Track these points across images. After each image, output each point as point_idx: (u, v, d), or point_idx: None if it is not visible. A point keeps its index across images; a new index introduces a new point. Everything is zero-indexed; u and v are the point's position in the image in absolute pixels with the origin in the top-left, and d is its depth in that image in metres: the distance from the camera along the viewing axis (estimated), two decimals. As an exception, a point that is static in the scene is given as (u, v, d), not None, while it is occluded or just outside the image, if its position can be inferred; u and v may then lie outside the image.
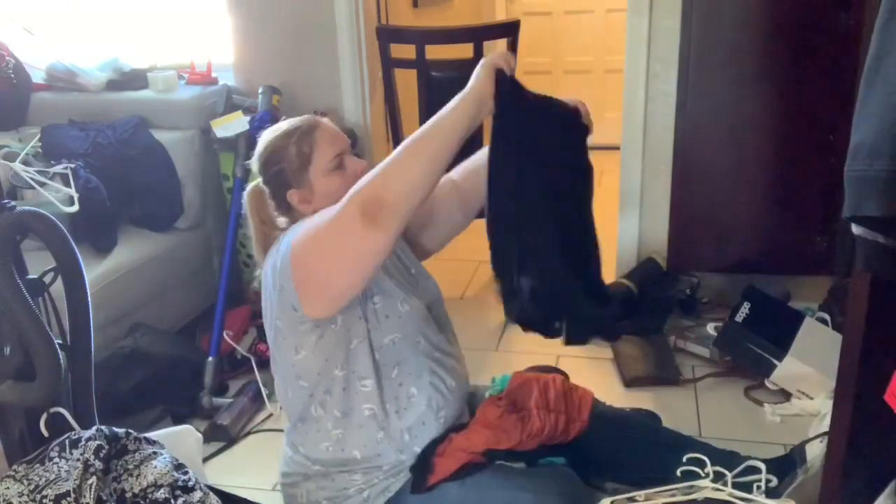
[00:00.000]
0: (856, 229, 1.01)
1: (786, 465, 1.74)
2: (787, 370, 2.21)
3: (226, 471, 2.05)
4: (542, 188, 1.41)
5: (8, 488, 1.32)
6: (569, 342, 1.45)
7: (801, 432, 1.94)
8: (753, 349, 2.26)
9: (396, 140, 2.73)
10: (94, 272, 2.23)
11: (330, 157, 1.50)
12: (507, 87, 1.35)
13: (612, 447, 1.74)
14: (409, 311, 1.52)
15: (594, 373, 2.48)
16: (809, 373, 2.19)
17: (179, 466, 1.44)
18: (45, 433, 1.44)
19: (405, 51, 2.62)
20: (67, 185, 2.26)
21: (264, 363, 2.49)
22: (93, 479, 1.32)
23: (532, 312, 1.40)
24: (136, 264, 2.43)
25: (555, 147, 1.45)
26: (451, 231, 1.74)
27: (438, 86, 2.64)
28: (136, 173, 2.58)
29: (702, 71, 2.51)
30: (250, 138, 2.56)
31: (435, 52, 2.63)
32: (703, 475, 1.67)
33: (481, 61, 1.37)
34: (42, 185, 2.18)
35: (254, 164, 1.57)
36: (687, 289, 2.71)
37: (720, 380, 2.39)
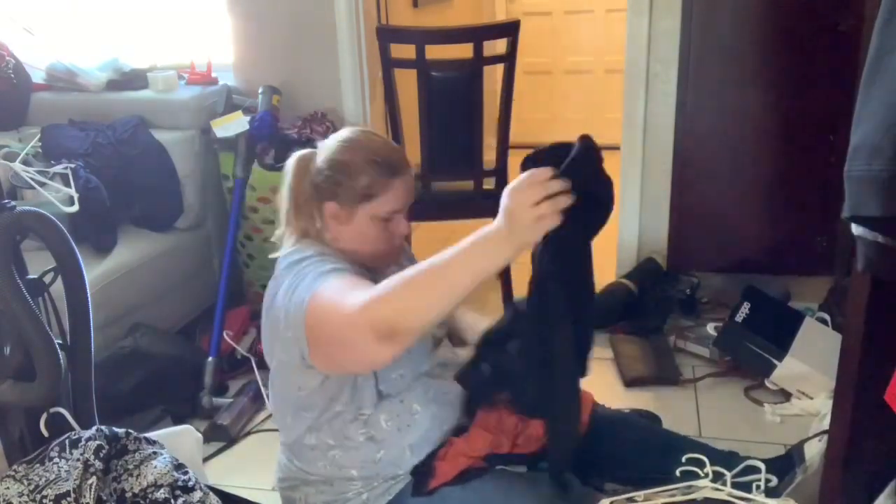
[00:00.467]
0: (856, 229, 1.01)
1: (785, 465, 1.74)
2: (787, 370, 2.21)
3: (226, 471, 2.05)
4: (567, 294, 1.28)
5: (8, 488, 1.32)
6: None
7: (801, 432, 1.94)
8: (753, 349, 2.26)
9: (396, 140, 2.72)
10: (94, 272, 2.23)
11: (389, 210, 1.44)
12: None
13: (611, 448, 1.74)
14: (419, 344, 1.47)
15: (594, 373, 2.45)
16: (809, 373, 2.19)
17: (179, 466, 1.44)
18: (45, 433, 1.44)
19: (405, 51, 2.61)
20: (67, 185, 2.26)
21: (264, 363, 2.48)
22: (93, 479, 1.32)
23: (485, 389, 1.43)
24: (136, 264, 2.43)
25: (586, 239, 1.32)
26: None
27: (438, 86, 2.64)
28: (136, 173, 2.58)
29: (702, 71, 2.51)
30: (250, 138, 2.56)
31: (435, 52, 2.62)
32: (702, 475, 1.67)
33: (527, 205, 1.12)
34: (42, 185, 2.18)
35: (324, 150, 1.47)
36: (687, 289, 2.71)
37: (720, 380, 2.39)
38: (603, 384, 2.39)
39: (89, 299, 1.51)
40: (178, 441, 1.61)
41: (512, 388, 1.44)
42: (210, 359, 2.38)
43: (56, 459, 1.35)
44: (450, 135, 2.70)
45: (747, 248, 2.65)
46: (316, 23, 2.83)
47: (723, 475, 1.67)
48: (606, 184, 1.26)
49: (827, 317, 2.45)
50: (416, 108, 2.66)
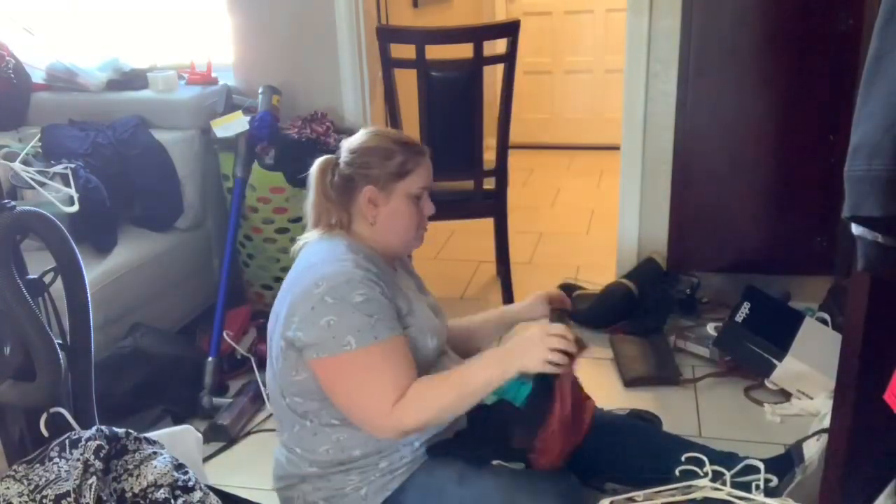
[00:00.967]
0: (856, 229, 1.01)
1: (784, 464, 1.74)
2: (787, 370, 2.21)
3: (226, 471, 2.05)
4: None
5: (8, 488, 1.32)
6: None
7: (801, 432, 1.94)
8: (753, 349, 2.26)
9: (396, 140, 2.73)
10: (94, 272, 2.23)
11: (421, 185, 1.54)
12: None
13: (611, 450, 1.74)
14: (423, 357, 1.53)
15: (594, 373, 2.48)
16: (809, 373, 2.19)
17: (179, 466, 1.44)
18: (45, 433, 1.44)
19: (405, 51, 2.62)
20: (67, 185, 2.26)
21: (264, 363, 2.48)
22: (93, 479, 1.32)
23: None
24: (136, 264, 2.43)
25: None
26: None
27: (438, 86, 2.64)
28: (136, 173, 2.58)
29: (702, 71, 2.51)
30: (250, 138, 2.56)
31: (435, 52, 2.63)
32: (701, 475, 1.67)
33: (538, 337, 1.40)
34: (42, 185, 2.18)
35: (349, 144, 1.57)
36: (687, 289, 2.71)
37: (720, 380, 2.39)
38: (603, 384, 2.39)
39: (89, 299, 1.51)
40: (178, 441, 1.61)
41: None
42: (210, 359, 2.38)
43: (56, 459, 1.35)
44: (450, 135, 2.70)
45: (747, 248, 2.65)
46: (316, 23, 2.83)
47: (722, 475, 1.67)
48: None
49: (827, 317, 2.45)
50: (416, 108, 2.66)
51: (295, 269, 1.53)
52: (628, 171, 2.81)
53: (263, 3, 2.85)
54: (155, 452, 1.43)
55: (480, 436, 1.53)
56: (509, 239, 2.89)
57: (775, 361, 2.22)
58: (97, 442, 1.37)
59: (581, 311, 2.77)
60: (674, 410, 2.20)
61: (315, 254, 1.50)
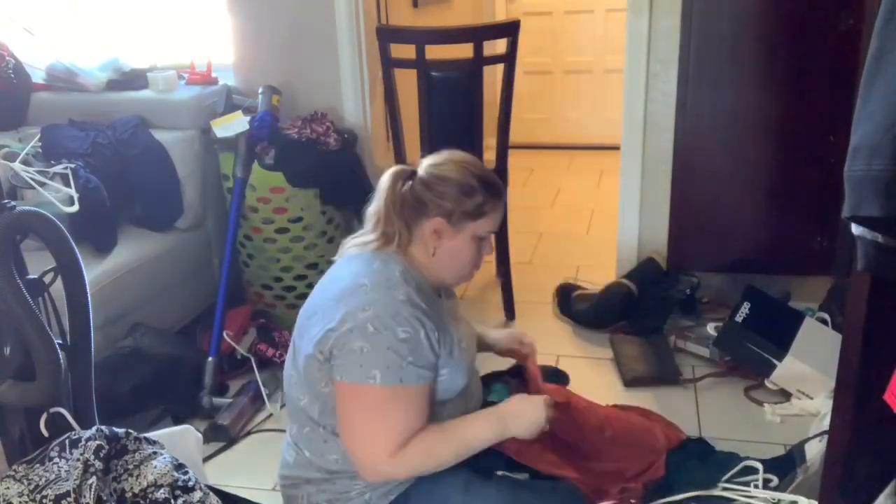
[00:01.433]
0: (856, 229, 1.01)
1: (785, 465, 1.74)
2: (787, 370, 2.21)
3: (226, 471, 2.05)
4: None
5: (8, 488, 1.32)
6: None
7: (801, 432, 1.94)
8: (753, 349, 2.26)
9: (396, 140, 2.72)
10: (94, 272, 2.23)
11: (490, 229, 1.52)
12: None
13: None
14: (467, 384, 1.54)
15: (594, 373, 2.48)
16: (809, 373, 2.19)
17: (179, 466, 1.44)
18: (45, 433, 1.44)
19: (405, 51, 2.61)
20: (67, 185, 2.26)
21: (264, 363, 2.49)
22: (93, 479, 1.32)
23: None
24: (136, 264, 2.43)
25: None
26: None
27: (438, 86, 2.64)
28: (136, 173, 2.58)
29: (702, 71, 2.51)
30: (250, 138, 2.56)
31: (435, 52, 2.62)
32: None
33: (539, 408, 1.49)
34: (42, 185, 2.18)
35: (431, 168, 1.50)
36: (687, 289, 2.71)
37: (720, 380, 2.39)
38: (603, 384, 2.39)
39: (89, 299, 1.51)
40: (178, 441, 1.61)
41: None
42: (210, 359, 2.38)
43: (56, 459, 1.35)
44: (450, 135, 2.69)
45: (747, 248, 2.65)
46: (316, 23, 2.83)
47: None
48: None
49: (827, 317, 2.45)
50: (416, 108, 2.66)
51: (340, 279, 1.48)
52: (628, 171, 2.81)
53: (263, 3, 2.85)
54: (155, 452, 1.43)
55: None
56: (509, 239, 2.89)
57: (775, 361, 2.22)
58: (97, 442, 1.37)
59: (581, 311, 2.78)
60: (674, 410, 2.20)
61: (366, 272, 1.44)
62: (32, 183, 2.14)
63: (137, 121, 2.68)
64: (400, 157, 2.75)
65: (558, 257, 3.46)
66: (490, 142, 2.80)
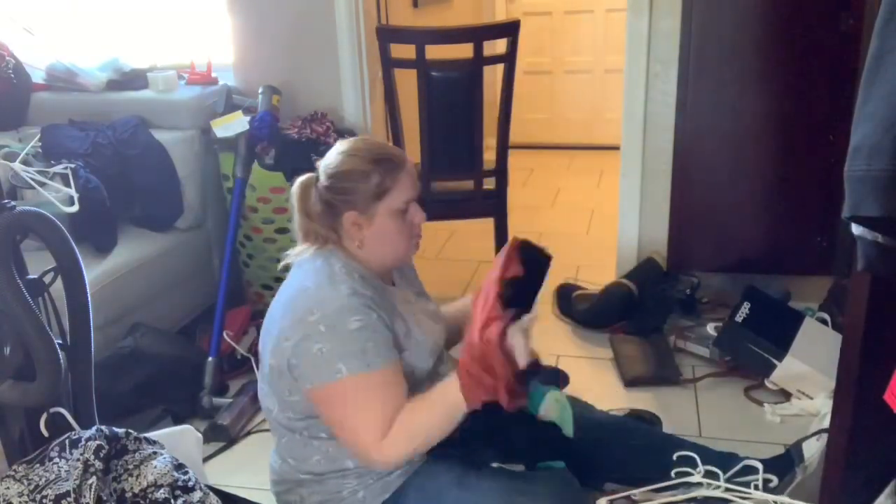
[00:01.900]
0: (856, 229, 1.01)
1: (783, 464, 1.74)
2: (787, 370, 2.21)
3: (226, 471, 2.05)
4: None
5: (8, 488, 1.32)
6: None
7: (801, 432, 1.94)
8: (753, 349, 2.26)
9: (396, 140, 2.72)
10: (94, 272, 2.23)
11: (404, 199, 1.49)
12: None
13: (610, 452, 1.74)
14: (433, 365, 1.53)
15: (594, 373, 2.48)
16: (809, 373, 2.19)
17: (179, 466, 1.44)
18: (45, 433, 1.44)
19: (405, 51, 2.61)
20: (67, 185, 2.25)
21: (264, 363, 2.49)
22: (93, 479, 1.32)
23: None
24: (136, 264, 2.43)
25: None
26: None
27: (438, 86, 2.64)
28: (136, 173, 2.58)
29: (702, 71, 2.51)
30: (250, 138, 2.56)
31: (435, 52, 2.62)
32: (694, 474, 1.68)
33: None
34: (42, 185, 2.18)
35: (325, 168, 1.50)
36: (687, 289, 2.71)
37: (720, 380, 2.39)
38: (603, 384, 2.39)
39: (89, 299, 1.51)
40: (178, 441, 1.61)
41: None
42: (210, 359, 2.38)
43: (56, 459, 1.35)
44: (450, 135, 2.70)
45: (747, 248, 2.65)
46: (316, 23, 2.83)
47: (716, 475, 1.68)
48: None
49: (827, 317, 2.45)
50: (416, 108, 2.66)
51: (288, 286, 1.49)
52: (628, 171, 2.81)
53: (263, 4, 2.85)
54: (155, 452, 1.43)
55: (480, 437, 1.53)
56: (509, 239, 2.89)
57: (775, 361, 2.22)
58: (97, 442, 1.37)
59: (581, 311, 2.78)
60: (674, 410, 2.20)
61: (309, 272, 1.46)
62: (32, 183, 2.13)
63: (137, 121, 2.68)
64: (400, 157, 2.75)
65: (558, 257, 3.43)
66: (490, 142, 2.80)
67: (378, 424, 1.36)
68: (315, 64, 2.87)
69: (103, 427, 1.43)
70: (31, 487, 1.32)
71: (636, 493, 1.74)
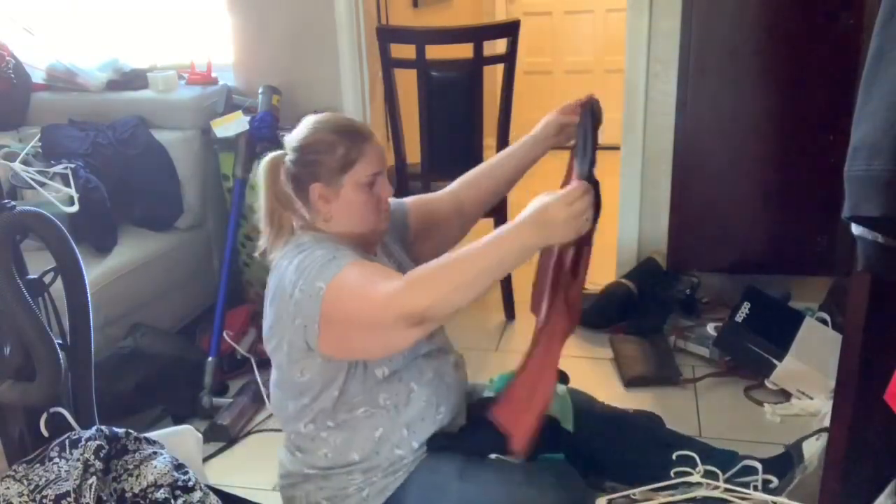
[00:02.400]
0: (856, 229, 1.01)
1: (783, 464, 1.74)
2: (787, 370, 2.21)
3: (226, 471, 2.05)
4: None
5: (8, 488, 1.32)
6: None
7: (801, 432, 1.93)
8: (753, 349, 2.26)
9: (396, 140, 2.72)
10: (94, 272, 2.23)
11: (370, 172, 1.48)
12: None
13: (610, 447, 1.74)
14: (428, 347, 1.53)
15: (594, 373, 2.47)
16: (809, 373, 2.19)
17: (179, 466, 1.44)
18: (45, 433, 1.44)
19: (405, 51, 2.61)
20: (67, 185, 2.26)
21: (264, 363, 2.48)
22: (93, 479, 1.32)
23: None
24: (136, 264, 2.43)
25: None
26: (448, 244, 1.75)
27: (438, 86, 2.64)
28: (136, 173, 2.58)
29: (702, 71, 2.51)
30: (250, 138, 2.56)
31: (435, 52, 2.62)
32: (694, 474, 1.68)
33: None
34: (42, 185, 2.18)
35: (290, 141, 1.51)
36: (687, 289, 2.71)
37: (720, 380, 2.39)
38: (603, 384, 2.39)
39: (89, 299, 1.51)
40: (178, 441, 1.61)
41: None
42: (210, 359, 2.38)
43: (56, 459, 1.35)
44: (450, 135, 2.70)
45: (747, 248, 2.65)
46: (316, 23, 2.83)
47: (716, 474, 1.68)
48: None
49: (827, 317, 2.45)
50: (416, 108, 2.66)
51: (269, 286, 1.50)
52: (628, 171, 2.81)
53: (263, 4, 2.85)
54: (155, 452, 1.43)
55: (481, 429, 1.52)
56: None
57: (775, 361, 2.22)
58: (97, 442, 1.37)
59: (581, 311, 2.77)
60: (674, 410, 2.20)
61: (284, 255, 1.47)
62: (32, 183, 2.14)
63: (137, 121, 2.68)
64: (400, 157, 2.75)
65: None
66: (490, 142, 2.80)
67: (385, 283, 1.32)
68: (315, 64, 2.88)
69: (103, 427, 1.43)
70: (31, 487, 1.32)
71: (636, 492, 1.74)
